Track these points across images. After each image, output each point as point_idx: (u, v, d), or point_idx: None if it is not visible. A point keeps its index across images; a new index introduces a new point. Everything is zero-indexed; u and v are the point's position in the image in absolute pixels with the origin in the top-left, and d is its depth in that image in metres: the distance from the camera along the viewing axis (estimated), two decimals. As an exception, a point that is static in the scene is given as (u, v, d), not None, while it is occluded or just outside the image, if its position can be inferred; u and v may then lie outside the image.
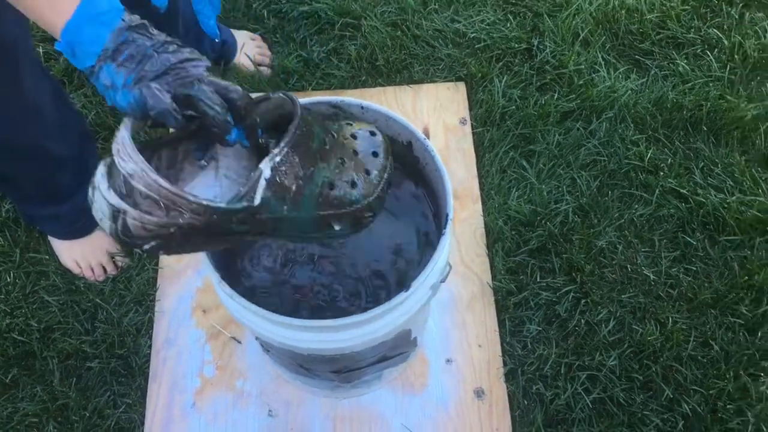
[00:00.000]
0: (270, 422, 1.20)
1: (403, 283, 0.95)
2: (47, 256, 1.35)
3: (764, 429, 1.14)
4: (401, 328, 0.90)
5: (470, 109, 1.49)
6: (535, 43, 1.54)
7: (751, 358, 1.21)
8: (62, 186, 1.23)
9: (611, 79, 1.50)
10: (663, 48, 1.56)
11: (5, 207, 1.38)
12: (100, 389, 1.23)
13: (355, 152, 0.77)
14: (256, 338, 1.03)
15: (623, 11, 1.57)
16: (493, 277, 1.30)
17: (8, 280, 1.32)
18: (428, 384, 1.22)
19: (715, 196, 1.35)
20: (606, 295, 1.27)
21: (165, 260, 1.34)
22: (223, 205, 0.66)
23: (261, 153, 0.73)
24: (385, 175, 0.78)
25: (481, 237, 1.35)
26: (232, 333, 1.27)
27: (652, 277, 1.29)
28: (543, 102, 1.47)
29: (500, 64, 1.53)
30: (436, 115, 1.49)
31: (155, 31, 0.67)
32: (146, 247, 0.67)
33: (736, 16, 1.58)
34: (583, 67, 1.51)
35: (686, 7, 1.60)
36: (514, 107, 1.46)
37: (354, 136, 0.78)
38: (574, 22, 1.56)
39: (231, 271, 0.99)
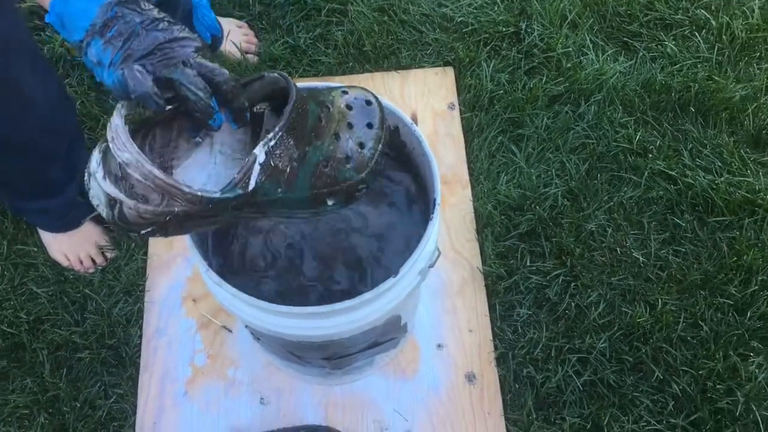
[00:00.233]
0: (262, 410, 1.20)
1: (391, 269, 0.95)
2: (35, 248, 1.34)
3: (753, 408, 1.15)
4: (391, 314, 0.90)
5: (458, 94, 1.48)
6: (523, 27, 1.53)
7: (741, 338, 1.22)
8: (53, 181, 1.22)
9: (599, 61, 1.49)
10: (651, 29, 1.55)
11: (-9, 199, 1.37)
12: (90, 380, 1.23)
13: (350, 125, 0.76)
14: (246, 326, 1.02)
15: (611, -7, 1.57)
16: (483, 262, 1.30)
17: (-4, 272, 1.31)
18: (420, 369, 1.23)
19: (704, 177, 1.35)
20: (596, 278, 1.27)
21: (153, 250, 1.33)
22: (217, 195, 0.67)
23: (256, 121, 0.73)
24: (380, 147, 0.76)
25: (471, 222, 1.35)
26: (223, 322, 1.27)
27: (641, 259, 1.29)
28: (531, 86, 1.47)
29: (488, 48, 1.52)
30: (424, 101, 1.48)
31: (146, 6, 0.65)
32: (143, 232, 0.67)
33: (724, -3, 1.58)
34: (571, 50, 1.50)
35: (674, -12, 1.59)
36: (502, 91, 1.46)
37: (349, 107, 0.77)
38: (561, 4, 1.55)
39: (226, 259, 0.99)
